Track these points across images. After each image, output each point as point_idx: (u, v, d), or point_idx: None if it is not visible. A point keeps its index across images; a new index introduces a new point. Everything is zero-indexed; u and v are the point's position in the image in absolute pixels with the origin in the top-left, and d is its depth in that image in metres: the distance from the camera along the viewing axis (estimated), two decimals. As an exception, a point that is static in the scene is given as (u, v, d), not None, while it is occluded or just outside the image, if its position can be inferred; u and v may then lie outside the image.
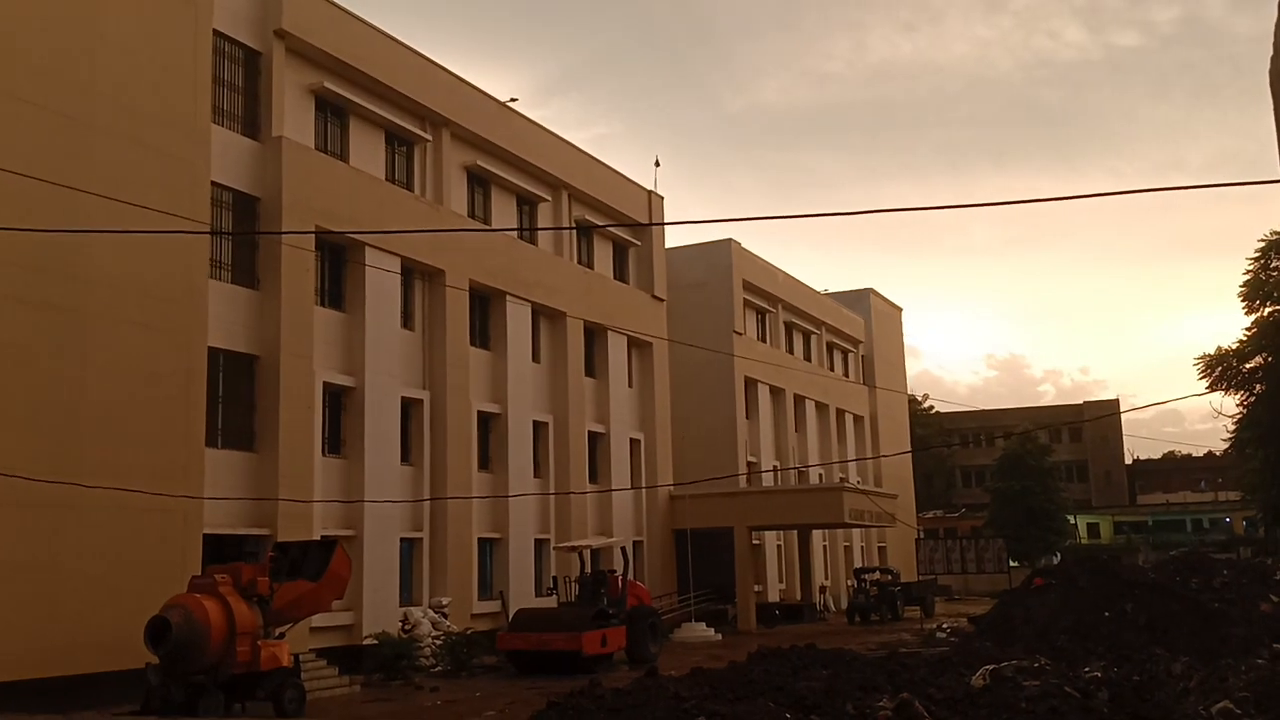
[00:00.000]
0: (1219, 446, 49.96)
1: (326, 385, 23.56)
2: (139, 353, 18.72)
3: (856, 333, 53.14)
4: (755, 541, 38.54)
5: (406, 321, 26.41)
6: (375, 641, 22.58)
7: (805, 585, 41.70)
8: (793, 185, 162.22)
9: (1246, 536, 66.00)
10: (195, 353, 19.96)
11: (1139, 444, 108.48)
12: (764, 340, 44.24)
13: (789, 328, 46.60)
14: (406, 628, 23.50)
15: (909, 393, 64.61)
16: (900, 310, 60.77)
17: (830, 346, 50.89)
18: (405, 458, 25.63)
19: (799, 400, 45.84)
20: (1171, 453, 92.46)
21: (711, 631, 32.22)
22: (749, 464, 40.52)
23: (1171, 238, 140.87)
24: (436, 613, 24.59)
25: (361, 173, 25.01)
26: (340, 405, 24.20)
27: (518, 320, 29.66)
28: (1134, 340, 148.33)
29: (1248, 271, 40.37)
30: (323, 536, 21.67)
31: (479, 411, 28.04)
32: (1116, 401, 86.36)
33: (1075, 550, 56.09)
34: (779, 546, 42.28)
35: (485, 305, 29.24)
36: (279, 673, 16.45)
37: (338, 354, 24.05)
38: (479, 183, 29.65)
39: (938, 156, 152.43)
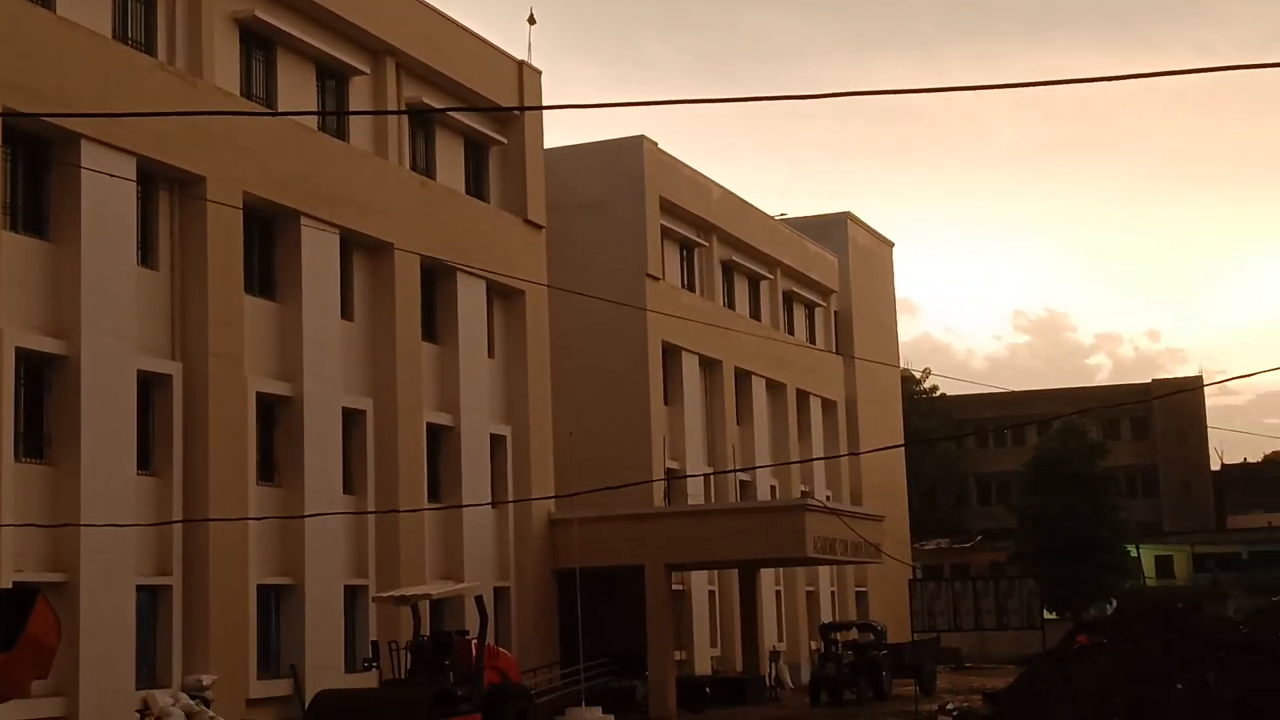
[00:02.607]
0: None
1: (22, 353, 23.15)
2: None
3: (827, 278, 53.71)
4: (677, 586, 38.80)
5: (146, 256, 26.07)
6: (99, 742, 22.29)
7: (750, 650, 42.17)
8: (736, 57, 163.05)
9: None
10: None
11: (1231, 442, 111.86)
12: (691, 289, 44.43)
13: (728, 270, 46.86)
14: (148, 720, 23.24)
15: (903, 366, 65.75)
16: (891, 246, 61.71)
17: (789, 298, 51.38)
18: (145, 463, 25.36)
19: (743, 377, 46.22)
20: (1276, 454, 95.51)
21: (611, 719, 32.43)
22: (668, 471, 40.76)
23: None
24: (194, 698, 24.40)
25: (76, 26, 24.49)
26: (44, 383, 23.82)
27: (319, 254, 29.40)
28: (1226, 293, 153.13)
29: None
30: (15, 584, 21.30)
31: (259, 394, 27.81)
32: (1199, 379, 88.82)
33: (1138, 595, 57.76)
34: (712, 593, 42.66)
35: (269, 231, 28.92)
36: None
37: (38, 305, 23.63)
38: (258, 43, 29.26)
39: (947, 19, 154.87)
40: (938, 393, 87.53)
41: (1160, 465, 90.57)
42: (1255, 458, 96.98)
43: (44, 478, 23.47)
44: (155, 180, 26.16)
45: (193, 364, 26.22)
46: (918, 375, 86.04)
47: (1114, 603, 58.52)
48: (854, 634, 42.52)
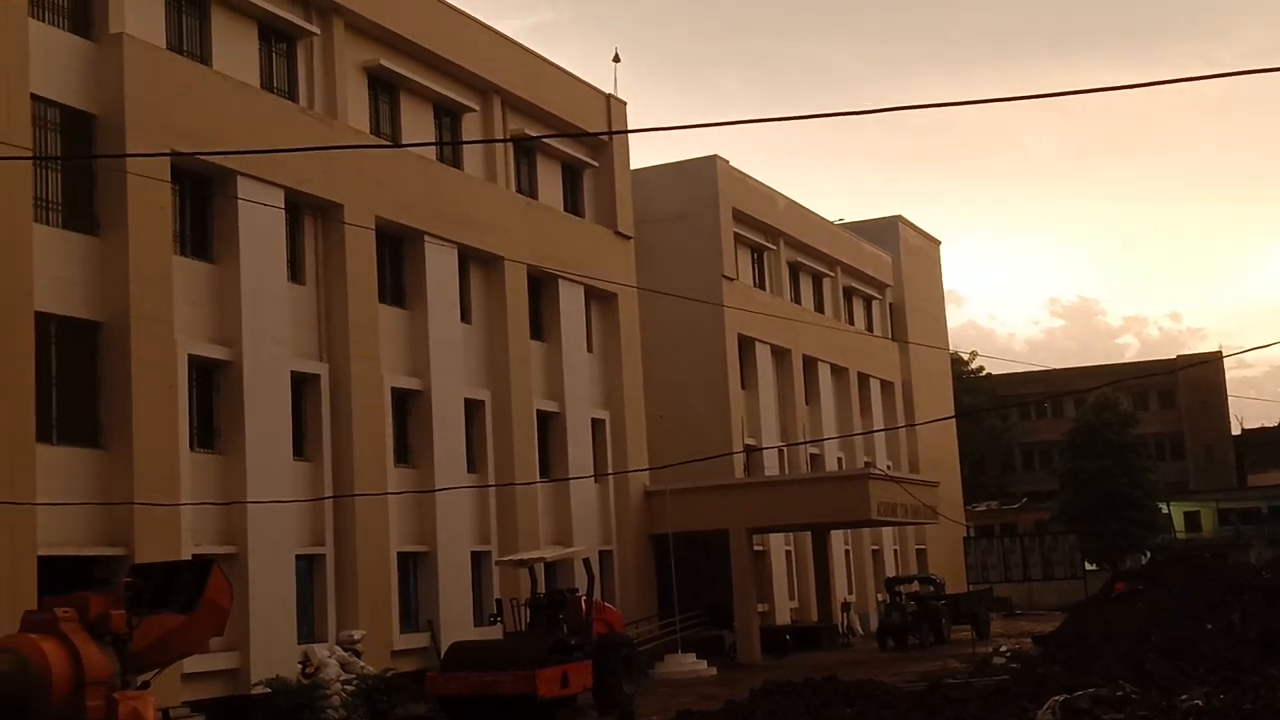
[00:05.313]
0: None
1: (193, 359, 23.52)
2: (-56, 321, 18.61)
3: (882, 274, 53.38)
4: (758, 548, 38.81)
5: (295, 273, 26.40)
6: (268, 690, 22.70)
7: (824, 603, 42.12)
8: (794, 85, 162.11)
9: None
10: (18, 320, 19.82)
11: (1249, 409, 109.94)
12: (762, 287, 44.38)
13: (794, 269, 46.77)
14: (308, 671, 23.62)
15: (951, 350, 65.18)
16: (938, 244, 61.16)
17: (849, 292, 51.14)
18: (299, 450, 25.69)
19: (810, 363, 46.10)
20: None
21: (704, 664, 32.51)
22: (747, 447, 40.79)
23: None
24: (346, 650, 24.70)
25: (229, 79, 24.89)
26: (211, 384, 24.19)
27: (440, 268, 29.64)
28: (1240, 277, 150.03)
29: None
30: (195, 556, 21.67)
31: (394, 389, 28.07)
32: (1219, 354, 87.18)
33: (1169, 548, 56.99)
34: (789, 553, 42.63)
35: (398, 249, 29.19)
36: (144, 732, 16.40)
37: (205, 317, 24.00)
38: (384, 88, 29.53)
39: (978, 44, 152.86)
40: (984, 373, 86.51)
41: (1186, 431, 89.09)
42: (1271, 423, 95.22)
43: (215, 465, 23.82)
44: (301, 208, 26.45)
45: (337, 365, 26.52)
46: (965, 358, 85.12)
47: (1148, 554, 57.82)
48: (916, 586, 42.35)
